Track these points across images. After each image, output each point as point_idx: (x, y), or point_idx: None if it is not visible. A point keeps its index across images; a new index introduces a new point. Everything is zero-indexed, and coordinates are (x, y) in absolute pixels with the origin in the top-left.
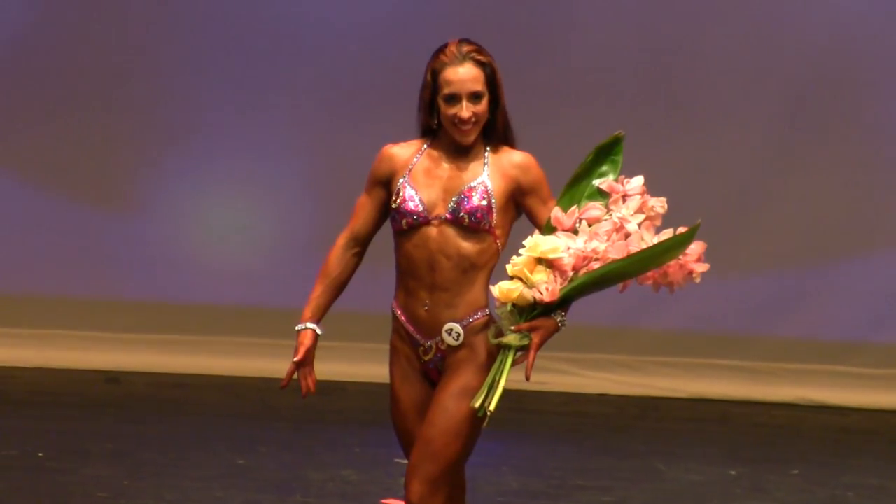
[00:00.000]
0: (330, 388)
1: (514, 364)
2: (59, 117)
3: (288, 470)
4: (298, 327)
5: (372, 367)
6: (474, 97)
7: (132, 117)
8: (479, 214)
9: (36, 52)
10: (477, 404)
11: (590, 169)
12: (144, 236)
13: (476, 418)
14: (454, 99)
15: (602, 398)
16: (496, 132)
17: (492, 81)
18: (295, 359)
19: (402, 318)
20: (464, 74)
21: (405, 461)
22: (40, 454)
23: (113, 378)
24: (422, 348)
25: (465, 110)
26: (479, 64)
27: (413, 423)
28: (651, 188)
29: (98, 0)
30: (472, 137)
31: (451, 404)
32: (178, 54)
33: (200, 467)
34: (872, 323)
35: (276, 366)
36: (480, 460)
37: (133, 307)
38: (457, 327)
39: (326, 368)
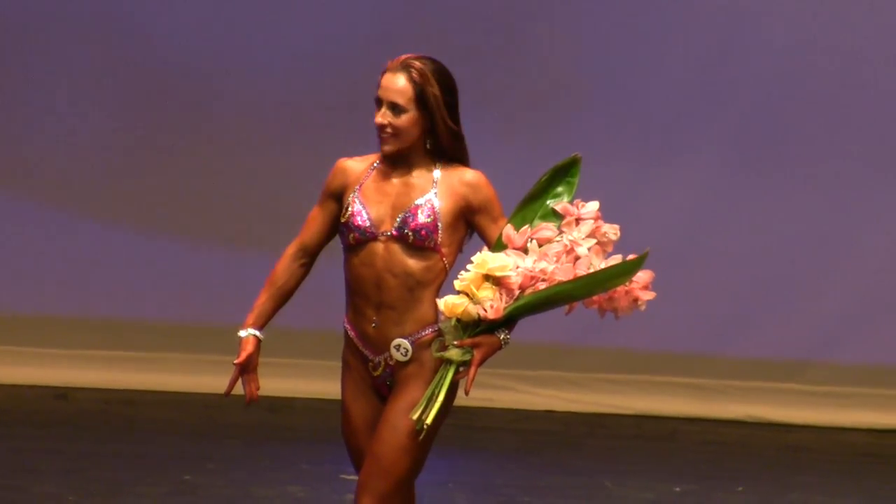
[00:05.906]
0: (278, 405)
1: (455, 379)
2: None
3: (236, 486)
4: (241, 333)
5: (320, 384)
6: (394, 108)
7: (102, 129)
8: (423, 232)
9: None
10: (415, 417)
11: (545, 189)
12: (92, 253)
13: (425, 433)
14: (378, 103)
15: (549, 415)
16: (443, 151)
17: (421, 101)
18: (235, 361)
19: (352, 333)
20: (390, 82)
21: (352, 477)
22: None
23: (61, 394)
24: (371, 364)
25: (381, 117)
26: (411, 80)
27: (364, 439)
28: (603, 209)
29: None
30: (389, 147)
31: (399, 420)
32: (136, 75)
33: (149, 484)
34: (819, 342)
35: (225, 382)
36: (428, 478)
37: (81, 323)
38: (405, 343)
39: (275, 385)
